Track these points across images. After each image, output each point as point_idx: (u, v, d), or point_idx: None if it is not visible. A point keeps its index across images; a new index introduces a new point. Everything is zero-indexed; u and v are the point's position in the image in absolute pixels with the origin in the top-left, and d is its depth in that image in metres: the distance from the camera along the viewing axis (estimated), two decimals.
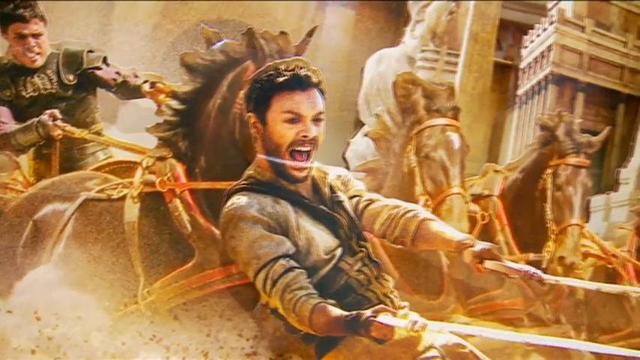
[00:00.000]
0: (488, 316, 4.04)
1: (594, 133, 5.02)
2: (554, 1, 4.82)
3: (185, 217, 3.28)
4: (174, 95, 3.26)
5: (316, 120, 2.48)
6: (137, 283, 3.29)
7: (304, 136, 2.46)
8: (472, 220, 3.87)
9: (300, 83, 2.44)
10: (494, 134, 4.99)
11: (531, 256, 4.03)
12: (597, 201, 5.25)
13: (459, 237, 2.55)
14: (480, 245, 2.49)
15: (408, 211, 2.65)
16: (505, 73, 5.28)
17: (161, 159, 3.31)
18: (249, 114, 2.49)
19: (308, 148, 2.49)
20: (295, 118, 2.43)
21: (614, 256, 4.44)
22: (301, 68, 2.46)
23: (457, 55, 5.03)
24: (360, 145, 4.31)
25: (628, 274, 4.49)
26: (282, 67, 2.46)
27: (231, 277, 3.25)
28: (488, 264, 2.52)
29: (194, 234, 3.29)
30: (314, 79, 2.48)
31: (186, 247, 3.31)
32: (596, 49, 5.14)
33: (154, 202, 3.31)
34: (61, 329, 3.24)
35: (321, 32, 5.17)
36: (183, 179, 3.30)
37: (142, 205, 3.32)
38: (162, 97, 3.45)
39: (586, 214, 4.64)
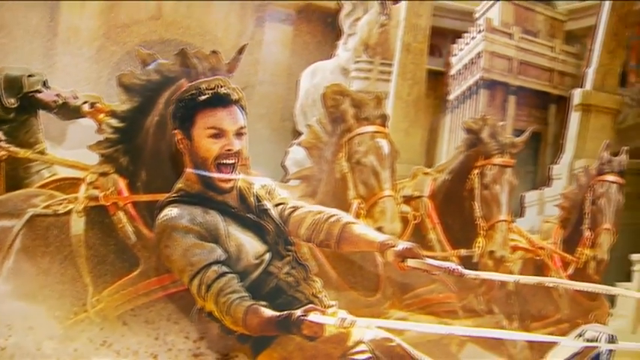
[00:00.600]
0: (424, 310, 4.17)
1: (532, 133, 5.20)
2: (482, 11, 4.98)
3: (129, 228, 3.38)
4: (113, 114, 3.36)
5: (239, 134, 2.58)
6: (86, 293, 3.38)
7: (228, 150, 2.55)
8: (404, 221, 4.01)
9: (221, 101, 2.55)
10: (430, 137, 5.15)
11: (463, 251, 4.17)
12: (532, 196, 5.43)
13: (381, 238, 2.66)
14: (402, 245, 2.60)
15: (331, 216, 2.75)
16: (439, 80, 5.44)
17: (104, 174, 3.40)
18: (176, 131, 2.59)
19: (233, 161, 2.58)
20: (219, 134, 2.53)
21: (541, 248, 4.62)
22: (221, 87, 2.57)
23: (390, 65, 5.19)
24: (298, 154, 4.43)
25: (555, 265, 4.67)
26: (204, 86, 2.57)
27: (176, 282, 3.33)
28: (411, 262, 2.62)
29: (138, 244, 3.38)
30: (234, 97, 2.58)
31: (132, 256, 3.40)
32: (524, 55, 5.34)
33: (98, 215, 3.40)
34: (14, 339, 3.31)
35: (260, 48, 5.30)
36: (125, 193, 3.39)
37: (87, 218, 3.41)
38: (102, 116, 3.55)
39: (520, 209, 4.80)
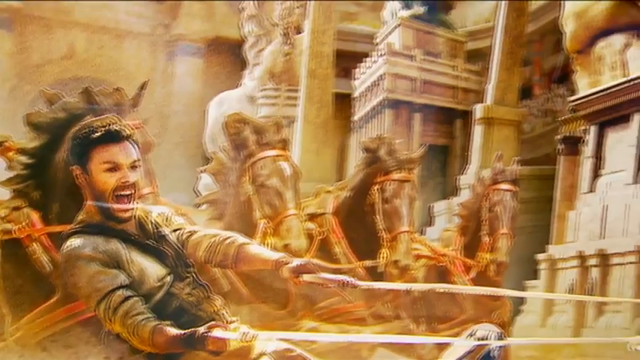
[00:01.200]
0: (334, 319, 4.33)
1: (439, 147, 5.46)
2: (383, 36, 5.21)
3: (44, 258, 3.47)
4: (23, 151, 3.46)
5: (133, 167, 2.71)
6: (4, 322, 3.45)
7: (124, 182, 2.68)
8: (310, 237, 4.18)
9: (113, 137, 2.68)
10: (340, 156, 5.33)
11: (368, 262, 4.36)
12: (440, 206, 5.66)
13: (276, 256, 2.81)
14: (296, 261, 2.76)
15: (227, 238, 2.89)
16: (347, 102, 5.66)
17: (17, 208, 3.48)
18: (74, 167, 2.71)
19: (129, 192, 2.71)
20: (114, 167, 2.65)
21: (443, 255, 4.85)
22: (113, 124, 2.70)
23: (297, 90, 5.39)
24: (208, 179, 4.57)
25: (457, 269, 4.90)
26: (97, 124, 2.70)
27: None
28: (306, 277, 2.78)
29: (54, 272, 3.46)
30: (125, 133, 2.71)
31: (48, 284, 3.48)
32: (427, 74, 5.58)
33: (13, 247, 3.49)
34: None
35: (173, 80, 5.44)
36: (38, 225, 3.48)
37: (2, 251, 3.49)
38: (11, 154, 3.63)
39: (430, 219, 5.02)
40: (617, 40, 6.64)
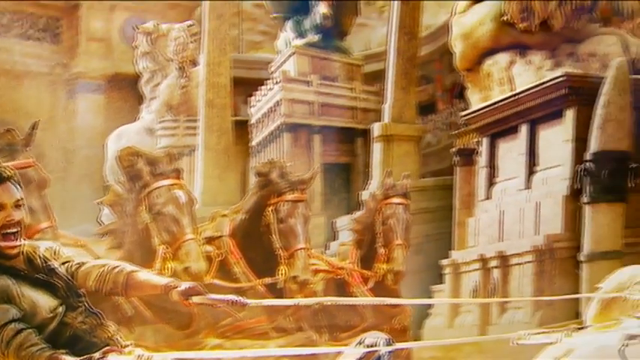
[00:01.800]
0: (238, 335, 4.48)
1: (342, 165, 5.68)
2: (277, 65, 5.42)
3: None
4: None
5: (17, 206, 2.81)
6: None
7: (9, 220, 2.78)
8: (209, 259, 4.34)
9: None
10: (243, 180, 5.49)
11: (267, 280, 4.54)
12: (343, 221, 5.87)
13: (164, 281, 2.94)
14: (184, 285, 2.90)
15: (115, 267, 3.01)
16: (247, 128, 5.85)
17: None
18: None
19: (16, 230, 2.81)
20: None
21: (340, 268, 5.06)
22: None
23: (196, 120, 5.55)
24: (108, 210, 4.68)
25: (355, 281, 5.12)
26: None
27: None
28: (195, 299, 2.92)
29: None
30: (5, 174, 2.81)
31: None
32: (325, 98, 5.81)
33: None
34: None
35: (75, 117, 5.53)
36: None
37: None
38: None
39: (334, 233, 5.23)
40: (503, 58, 7.04)
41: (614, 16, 7.29)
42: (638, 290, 5.81)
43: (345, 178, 5.81)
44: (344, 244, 5.38)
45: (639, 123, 7.54)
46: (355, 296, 4.99)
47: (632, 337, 5.51)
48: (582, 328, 5.67)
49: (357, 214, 5.41)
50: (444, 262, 6.73)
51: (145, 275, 3.03)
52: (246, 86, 6.03)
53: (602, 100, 6.88)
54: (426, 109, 7.68)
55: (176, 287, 2.91)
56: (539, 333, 5.76)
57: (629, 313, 5.77)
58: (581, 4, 6.92)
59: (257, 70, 6.24)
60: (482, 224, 6.99)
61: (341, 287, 5.03)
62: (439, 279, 6.77)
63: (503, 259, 6.97)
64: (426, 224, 6.95)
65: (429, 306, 6.56)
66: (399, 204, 5.24)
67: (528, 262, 6.94)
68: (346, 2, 6.13)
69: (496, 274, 6.96)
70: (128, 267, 3.07)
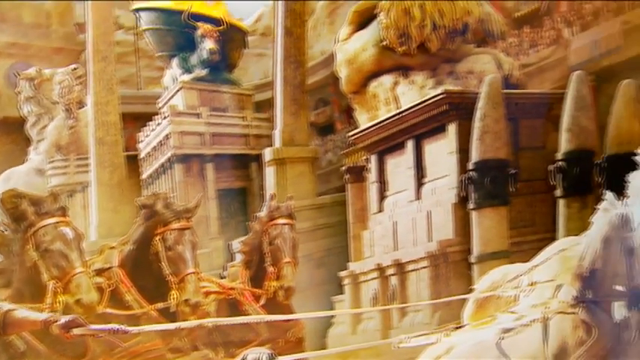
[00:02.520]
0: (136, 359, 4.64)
1: (237, 190, 5.89)
2: (165, 100, 5.62)
3: None
4: None
5: None
6: None
7: None
8: (101, 290, 4.48)
9: None
10: (138, 211, 5.62)
11: (159, 305, 4.70)
12: (239, 243, 6.04)
13: (43, 317, 3.11)
14: (64, 318, 3.06)
15: None
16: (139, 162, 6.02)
17: None
18: None
19: None
20: None
21: (231, 289, 5.28)
22: None
23: (87, 158, 5.70)
24: None
25: (247, 299, 5.34)
26: None
27: None
28: (76, 331, 3.09)
29: None
30: None
31: None
32: (216, 128, 6.02)
33: None
34: None
35: None
36: None
37: None
38: None
39: (231, 255, 5.43)
40: (387, 79, 7.41)
41: (487, 37, 7.78)
42: (510, 288, 6.22)
43: (241, 201, 6.04)
44: (233, 265, 5.59)
45: (515, 133, 8.05)
46: (248, 314, 5.20)
47: (507, 330, 5.91)
48: (460, 327, 6.05)
49: (245, 237, 5.63)
50: (342, 273, 7.01)
51: (22, 313, 3.20)
52: (144, 120, 6.21)
53: (478, 114, 7.33)
54: (326, 129, 7.99)
55: (56, 321, 3.09)
56: (419, 335, 6.12)
57: (504, 309, 6.17)
58: (454, 27, 7.36)
59: (154, 105, 6.42)
60: (376, 236, 7.32)
61: (233, 306, 5.23)
62: (340, 289, 7.03)
63: (400, 267, 7.31)
64: (326, 239, 7.22)
65: (332, 315, 6.81)
66: (284, 224, 5.48)
67: (424, 267, 7.29)
68: (234, 36, 6.38)
69: (394, 281, 7.29)
70: (5, 306, 3.23)
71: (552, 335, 6.27)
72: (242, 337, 5.17)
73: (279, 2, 6.55)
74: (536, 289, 6.14)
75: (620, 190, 8.52)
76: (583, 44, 8.24)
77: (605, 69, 8.25)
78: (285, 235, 5.46)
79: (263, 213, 5.47)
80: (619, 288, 7.91)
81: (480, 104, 7.38)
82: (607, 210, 8.14)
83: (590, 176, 8.12)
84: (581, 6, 8.21)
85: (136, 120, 6.07)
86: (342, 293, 7.02)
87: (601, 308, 7.65)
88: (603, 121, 8.33)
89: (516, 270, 6.36)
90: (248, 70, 6.85)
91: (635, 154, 8.38)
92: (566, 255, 6.79)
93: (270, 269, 5.41)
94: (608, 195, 8.25)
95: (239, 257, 5.68)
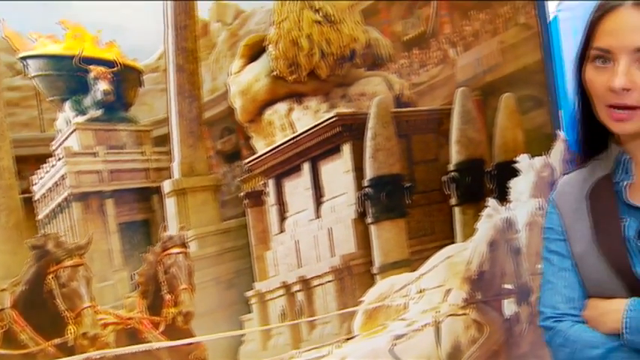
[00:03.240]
0: None
1: (140, 222, 6.02)
2: (59, 142, 5.72)
3: None
4: None
5: None
6: None
7: None
8: None
9: None
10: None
11: (57, 340, 4.83)
12: None
13: None
14: None
15: None
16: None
17: None
18: None
19: None
20: None
21: (130, 319, 5.45)
22: None
23: None
24: None
25: (146, 327, 5.52)
26: None
27: None
28: None
29: None
30: None
31: None
32: (115, 165, 6.13)
33: None
34: None
35: None
36: None
37: None
38: None
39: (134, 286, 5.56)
40: (281, 107, 7.68)
41: (376, 60, 8.14)
42: (398, 297, 6.58)
43: (144, 232, 6.18)
44: (129, 296, 5.74)
45: (408, 148, 8.44)
46: (148, 341, 5.36)
47: (399, 336, 6.26)
48: (351, 338, 6.39)
49: (140, 268, 5.80)
50: (248, 293, 7.20)
51: None
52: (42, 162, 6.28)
53: (369, 133, 7.69)
54: (232, 156, 8.18)
55: None
56: (309, 350, 6.44)
57: (394, 317, 6.53)
58: (342, 54, 7.69)
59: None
60: (279, 255, 7.54)
61: (133, 336, 5.39)
62: (248, 309, 7.21)
63: (305, 283, 7.56)
64: (235, 261, 7.40)
65: (242, 334, 7.00)
66: (178, 253, 5.68)
67: (329, 281, 7.56)
68: (128, 76, 6.54)
69: (300, 297, 7.54)
70: None
71: (445, 337, 6.67)
72: None
73: (170, 42, 6.76)
74: (425, 295, 6.52)
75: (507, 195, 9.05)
76: (467, 62, 8.72)
77: (488, 84, 8.74)
78: (180, 264, 5.65)
79: (156, 245, 5.66)
80: (508, 286, 8.46)
81: (371, 124, 7.74)
82: (491, 215, 8.68)
83: (481, 183, 8.58)
84: (462, 28, 8.69)
85: (38, 161, 6.16)
86: (249, 312, 7.20)
87: (491, 307, 8.18)
88: (490, 131, 8.82)
89: (404, 280, 6.75)
90: (153, 106, 6.97)
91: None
92: (453, 261, 7.23)
93: (167, 297, 5.58)
94: (491, 201, 8.82)
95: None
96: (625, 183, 2.69)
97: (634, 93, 2.50)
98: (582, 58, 2.82)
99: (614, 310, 2.53)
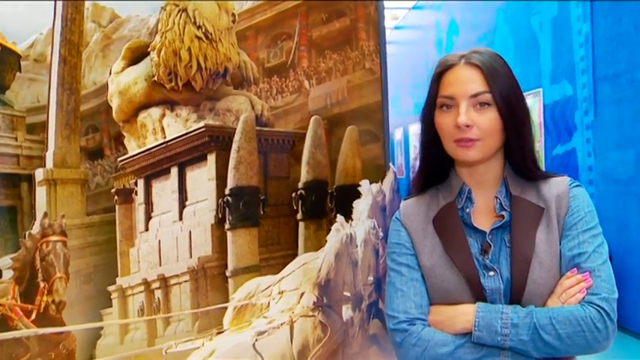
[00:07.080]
0: None
1: (7, 208, 5.23)
2: None
3: None
4: None
5: None
6: None
7: None
8: None
9: None
10: None
11: None
12: (6, 260, 5.45)
13: None
14: None
15: None
16: None
17: None
18: None
19: None
20: None
21: (1, 305, 4.75)
22: None
23: None
24: None
25: (17, 315, 4.84)
26: None
27: None
28: None
29: None
30: None
31: None
32: None
33: None
34: None
35: None
36: None
37: None
38: None
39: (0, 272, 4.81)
40: (155, 111, 7.27)
41: (243, 81, 8.05)
42: (263, 296, 6.45)
43: (11, 219, 5.43)
44: (2, 282, 5.02)
45: (265, 164, 8.39)
46: (18, 329, 4.68)
47: (261, 333, 6.11)
48: (221, 332, 6.14)
49: (16, 253, 5.10)
50: (110, 288, 6.64)
51: None
52: None
53: (234, 146, 7.52)
54: (95, 154, 7.54)
55: None
56: (185, 341, 6.08)
57: (258, 314, 6.39)
58: (217, 70, 7.50)
59: None
60: (142, 252, 7.06)
61: (3, 323, 4.68)
62: (109, 303, 6.64)
63: (164, 281, 7.12)
64: (94, 256, 6.79)
65: (101, 327, 6.40)
66: (57, 241, 5.08)
67: (185, 281, 7.19)
68: (6, 58, 5.78)
69: (158, 294, 7.08)
70: None
71: (296, 335, 6.67)
72: (11, 353, 4.63)
73: (57, 32, 6.11)
74: (284, 296, 6.48)
75: (346, 214, 9.42)
76: (319, 94, 8.94)
77: (335, 115, 9.01)
78: (58, 252, 5.05)
79: (35, 230, 5.00)
80: (346, 294, 8.73)
81: (236, 138, 7.59)
82: (338, 230, 8.93)
83: (324, 203, 8.78)
84: (318, 64, 8.91)
85: None
86: (110, 306, 6.62)
87: (334, 311, 8.38)
88: (334, 157, 9.08)
89: (268, 281, 6.67)
90: (19, 94, 6.20)
91: (358, 185, 9.29)
92: (307, 267, 7.30)
93: (42, 284, 4.95)
94: (339, 218, 9.05)
95: (9, 273, 5.10)
96: (468, 210, 3.02)
97: (473, 128, 2.77)
98: (431, 106, 3.03)
99: (464, 313, 2.78)
